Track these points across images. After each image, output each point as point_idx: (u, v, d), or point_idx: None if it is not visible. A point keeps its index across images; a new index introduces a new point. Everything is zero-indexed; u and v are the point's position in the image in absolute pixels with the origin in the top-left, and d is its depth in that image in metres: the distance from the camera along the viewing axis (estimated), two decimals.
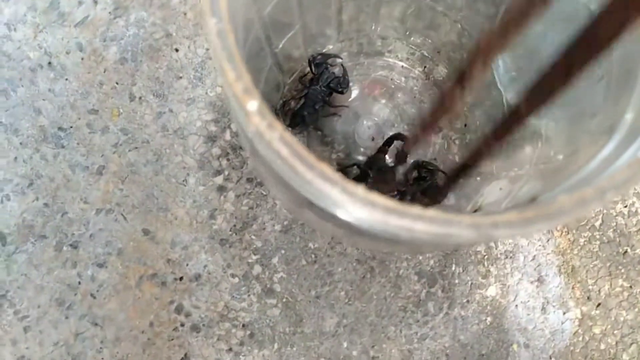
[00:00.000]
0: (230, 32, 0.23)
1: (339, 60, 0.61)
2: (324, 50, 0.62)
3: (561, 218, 0.21)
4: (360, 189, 0.22)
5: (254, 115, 0.22)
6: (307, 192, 0.23)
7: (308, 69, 0.60)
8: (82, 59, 0.64)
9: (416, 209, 0.21)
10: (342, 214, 0.24)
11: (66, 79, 0.64)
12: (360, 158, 0.61)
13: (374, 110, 0.62)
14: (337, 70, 0.61)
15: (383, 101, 0.62)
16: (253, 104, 0.22)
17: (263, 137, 0.22)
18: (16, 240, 0.62)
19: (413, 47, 0.63)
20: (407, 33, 0.62)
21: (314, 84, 0.58)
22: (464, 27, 0.57)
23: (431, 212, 0.21)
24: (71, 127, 0.63)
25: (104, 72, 0.64)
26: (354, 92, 0.63)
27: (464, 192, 0.58)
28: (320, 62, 0.58)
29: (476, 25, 0.56)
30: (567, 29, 0.44)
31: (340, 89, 0.58)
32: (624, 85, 0.30)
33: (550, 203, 0.21)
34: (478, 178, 0.57)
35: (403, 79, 0.63)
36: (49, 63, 0.64)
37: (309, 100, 0.57)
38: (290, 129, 0.59)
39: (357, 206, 0.22)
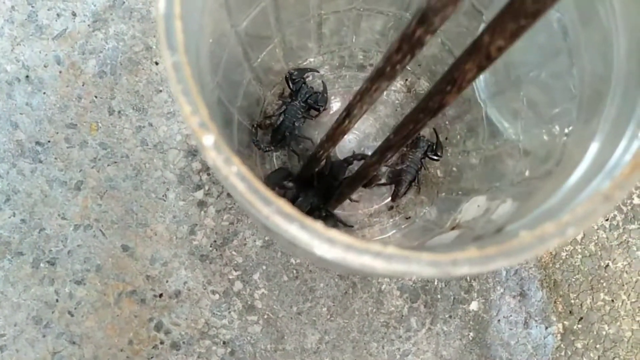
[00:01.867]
0: (186, 64, 0.22)
1: (317, 75, 0.61)
2: (304, 64, 0.62)
3: (522, 255, 0.21)
4: (318, 225, 0.21)
5: (210, 149, 0.22)
6: (267, 224, 0.23)
7: (295, 77, 0.59)
8: (60, 72, 0.63)
9: (376, 246, 0.21)
10: (303, 245, 0.23)
11: (44, 93, 0.63)
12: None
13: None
14: (317, 84, 0.60)
15: (364, 114, 0.62)
16: (209, 139, 0.22)
17: (220, 172, 0.22)
18: None
19: None
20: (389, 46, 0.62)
21: (292, 100, 0.57)
22: (444, 42, 0.57)
23: (390, 248, 0.21)
24: (49, 141, 0.62)
25: (83, 85, 0.63)
26: (336, 105, 0.63)
27: (445, 207, 0.58)
28: (296, 78, 0.57)
29: (456, 38, 0.56)
30: (542, 45, 0.44)
31: (317, 106, 0.58)
32: (594, 108, 0.30)
33: (511, 239, 0.21)
34: (459, 192, 0.57)
35: (384, 92, 0.62)
36: (27, 76, 0.63)
37: (287, 116, 0.57)
38: (272, 146, 0.58)
39: (316, 242, 0.21)
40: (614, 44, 0.28)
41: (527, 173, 0.40)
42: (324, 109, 0.59)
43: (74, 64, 0.63)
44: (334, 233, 0.21)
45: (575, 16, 0.36)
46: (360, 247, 0.21)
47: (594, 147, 0.26)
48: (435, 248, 0.43)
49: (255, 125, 0.59)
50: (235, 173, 0.22)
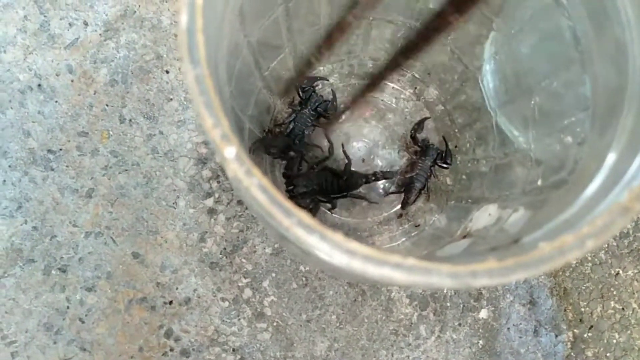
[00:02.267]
0: (208, 77, 0.23)
1: (327, 83, 0.61)
2: (313, 73, 0.62)
3: (541, 266, 0.21)
4: (338, 236, 0.22)
5: (232, 162, 0.22)
6: (287, 235, 0.23)
7: (305, 86, 0.60)
8: (72, 81, 0.64)
9: (395, 257, 0.21)
10: (322, 256, 0.24)
11: (56, 101, 0.63)
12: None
13: (365, 132, 0.61)
14: (327, 93, 0.61)
15: (374, 122, 0.62)
16: (231, 151, 0.22)
17: (241, 183, 0.22)
18: (4, 264, 0.61)
19: (404, 68, 0.63)
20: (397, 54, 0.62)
21: (302, 109, 0.58)
22: (453, 50, 0.57)
23: (410, 260, 0.21)
24: (60, 149, 0.63)
25: (94, 94, 0.63)
26: (346, 114, 0.63)
27: (455, 215, 0.58)
28: (306, 87, 0.58)
29: (465, 47, 0.57)
30: (554, 54, 0.44)
31: (327, 114, 0.58)
32: (609, 120, 0.30)
33: (530, 250, 0.21)
34: (469, 201, 0.57)
35: (394, 100, 0.63)
36: (39, 85, 0.64)
37: (297, 124, 0.57)
38: (282, 155, 0.58)
39: (336, 254, 0.22)
40: (629, 55, 0.28)
41: (539, 182, 0.40)
42: (332, 118, 0.60)
43: (85, 72, 0.64)
44: (354, 244, 0.21)
45: (588, 26, 0.36)
46: (380, 259, 0.21)
47: (610, 159, 0.26)
48: (448, 258, 0.43)
49: (266, 131, 0.59)
50: (257, 185, 0.22)
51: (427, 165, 0.58)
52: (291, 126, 0.58)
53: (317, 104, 0.58)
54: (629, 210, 0.22)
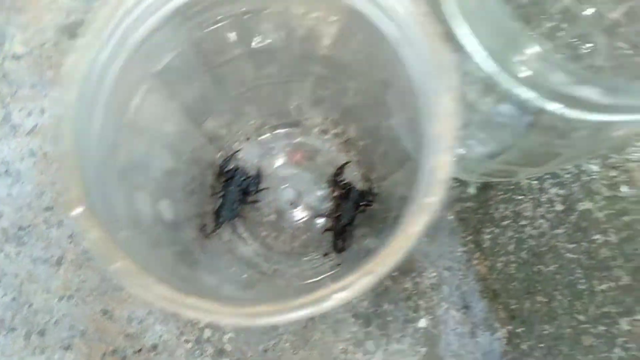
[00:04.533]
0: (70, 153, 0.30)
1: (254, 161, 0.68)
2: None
3: (295, 314, 0.27)
4: (156, 287, 0.29)
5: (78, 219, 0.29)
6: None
7: (225, 167, 0.66)
8: (35, 163, 0.72)
9: (191, 300, 0.28)
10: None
11: (22, 183, 0.71)
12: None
13: (295, 175, 0.68)
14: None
15: (304, 164, 0.69)
16: (78, 211, 0.30)
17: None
18: None
19: (325, 112, 0.71)
20: (318, 102, 0.70)
21: (229, 186, 0.64)
22: (363, 92, 0.64)
23: (191, 299, 0.28)
24: (29, 225, 0.70)
25: (55, 172, 0.71)
26: (279, 160, 0.70)
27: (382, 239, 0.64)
28: (225, 167, 0.65)
29: (370, 90, 0.64)
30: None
31: (251, 190, 0.64)
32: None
33: (287, 302, 0.28)
34: (391, 220, 0.63)
35: (319, 142, 0.70)
36: (6, 171, 0.72)
37: (227, 201, 0.63)
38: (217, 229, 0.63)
39: (144, 292, 0.28)
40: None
41: None
42: (258, 191, 0.66)
43: (45, 154, 0.72)
44: (149, 280, 0.28)
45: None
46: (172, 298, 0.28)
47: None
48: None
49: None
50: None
51: (349, 207, 0.64)
52: (220, 201, 0.64)
53: (241, 181, 0.64)
54: (373, 273, 0.28)
